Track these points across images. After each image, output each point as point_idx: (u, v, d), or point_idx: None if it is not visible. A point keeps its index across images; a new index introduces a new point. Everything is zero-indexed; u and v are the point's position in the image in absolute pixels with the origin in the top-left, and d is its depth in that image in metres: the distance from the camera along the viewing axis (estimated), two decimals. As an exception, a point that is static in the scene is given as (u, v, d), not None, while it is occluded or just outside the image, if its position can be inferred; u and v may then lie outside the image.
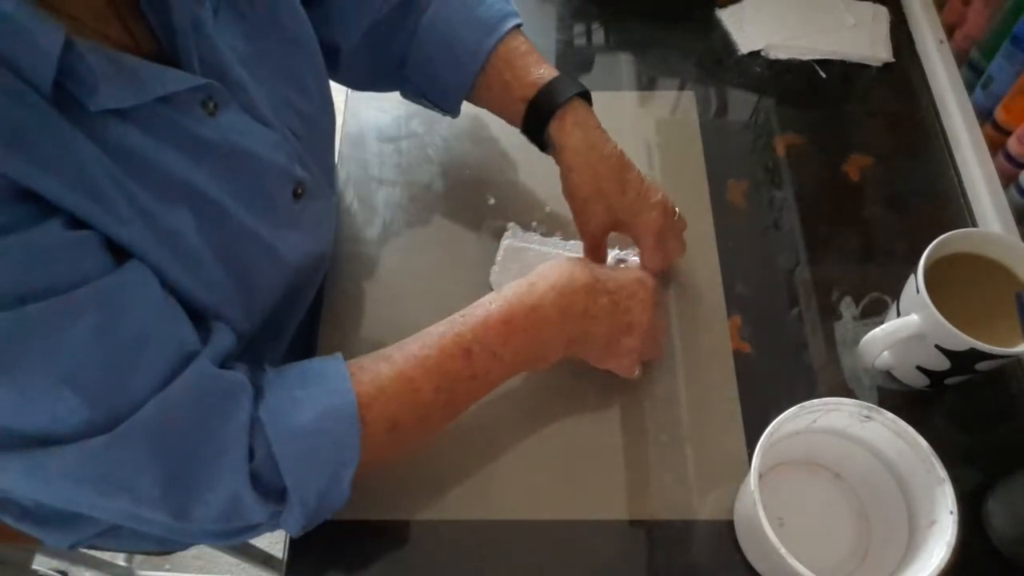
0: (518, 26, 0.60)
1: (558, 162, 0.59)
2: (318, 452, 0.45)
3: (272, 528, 0.47)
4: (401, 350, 0.49)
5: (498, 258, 0.64)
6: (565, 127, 0.57)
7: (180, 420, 0.40)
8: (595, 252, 0.60)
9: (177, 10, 0.41)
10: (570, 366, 0.60)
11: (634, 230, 0.58)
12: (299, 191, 0.52)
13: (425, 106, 0.65)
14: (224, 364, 0.44)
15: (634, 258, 0.63)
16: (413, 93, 0.65)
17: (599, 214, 0.58)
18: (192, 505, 0.42)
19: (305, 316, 0.60)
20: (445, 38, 0.59)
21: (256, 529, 0.46)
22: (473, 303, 0.52)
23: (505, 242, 0.65)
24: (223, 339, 0.45)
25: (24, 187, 0.35)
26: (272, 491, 0.44)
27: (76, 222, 0.38)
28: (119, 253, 0.40)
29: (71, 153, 0.37)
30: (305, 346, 0.61)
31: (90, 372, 0.38)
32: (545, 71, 0.58)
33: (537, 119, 0.58)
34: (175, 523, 0.42)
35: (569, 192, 0.58)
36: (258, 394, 0.44)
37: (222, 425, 0.42)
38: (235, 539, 0.47)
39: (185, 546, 0.74)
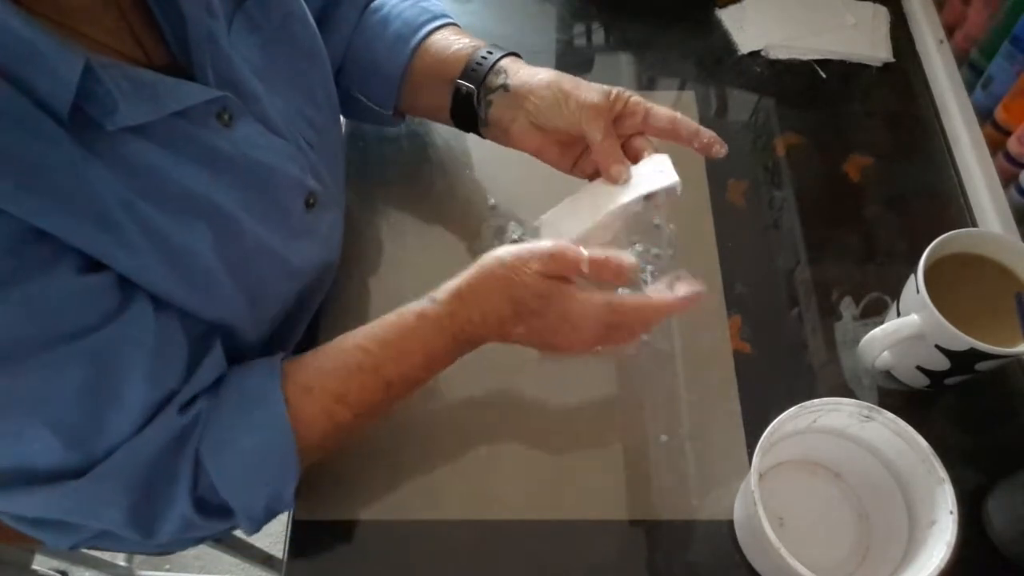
0: (456, 25, 0.62)
1: (521, 97, 0.55)
2: (258, 478, 0.46)
3: (232, 529, 0.49)
4: (320, 381, 0.47)
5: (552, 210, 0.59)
6: (518, 64, 0.57)
7: (144, 462, 0.42)
8: (613, 145, 0.54)
9: (192, 23, 0.41)
10: (570, 365, 0.60)
11: (631, 107, 0.54)
12: (311, 201, 0.52)
13: (364, 118, 0.66)
14: (198, 394, 0.45)
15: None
16: (350, 96, 0.63)
17: (593, 97, 0.53)
18: (156, 524, 0.44)
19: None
20: (387, 18, 0.60)
21: (214, 534, 0.48)
22: (394, 320, 0.49)
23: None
24: (207, 375, 0.45)
25: (35, 227, 0.35)
26: (218, 511, 0.46)
27: (89, 260, 0.38)
28: (126, 286, 0.41)
29: (83, 183, 0.37)
30: (306, 346, 0.61)
31: (71, 418, 0.39)
32: (476, 42, 0.59)
33: (475, 79, 0.56)
34: (143, 540, 0.45)
35: (561, 92, 0.54)
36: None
37: (175, 459, 0.43)
38: (203, 541, 0.50)
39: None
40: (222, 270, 0.45)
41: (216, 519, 0.46)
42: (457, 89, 0.58)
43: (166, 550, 0.50)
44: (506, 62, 0.57)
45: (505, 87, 0.56)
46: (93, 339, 0.38)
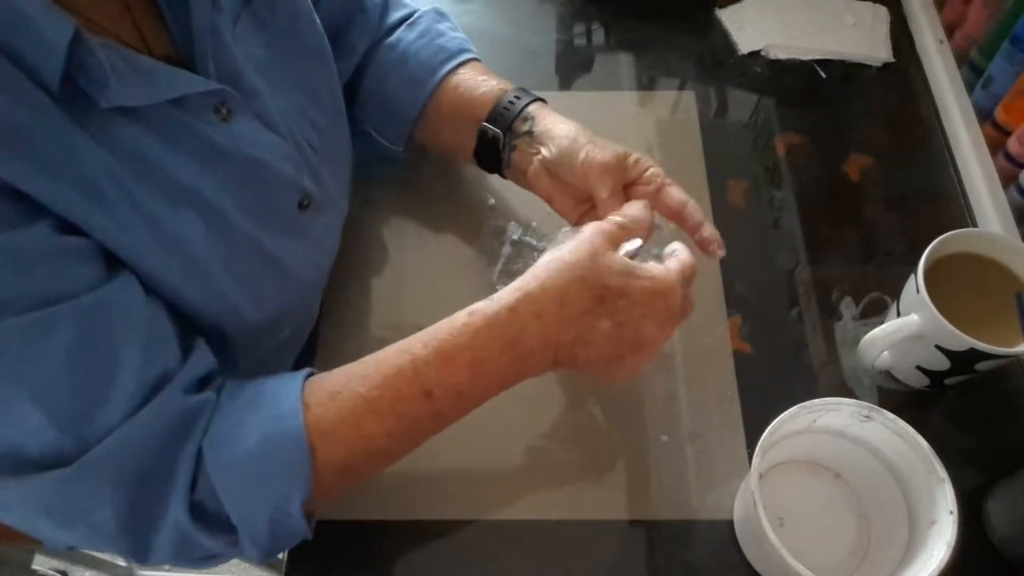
0: (476, 60, 0.61)
1: (540, 142, 0.55)
2: (260, 483, 0.42)
3: (236, 555, 0.44)
4: (350, 385, 0.44)
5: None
6: (545, 111, 0.56)
7: (140, 451, 0.39)
8: (617, 205, 0.52)
9: (196, 15, 0.42)
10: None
11: (647, 178, 0.53)
12: (305, 203, 0.51)
13: (370, 147, 0.65)
14: (202, 384, 0.43)
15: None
16: (359, 128, 0.63)
17: (604, 156, 0.53)
18: (149, 534, 0.40)
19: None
20: (403, 57, 0.60)
21: (218, 558, 0.44)
22: (443, 322, 0.45)
23: (507, 249, 0.65)
24: (201, 363, 0.43)
25: (13, 186, 0.35)
26: (217, 522, 0.42)
27: (70, 227, 0.38)
28: (111, 262, 0.40)
29: (72, 154, 0.36)
30: (307, 347, 0.61)
31: (60, 393, 0.37)
32: (503, 83, 0.58)
33: (502, 124, 0.56)
34: (137, 555, 0.41)
35: (575, 144, 0.53)
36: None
37: (175, 453, 0.40)
38: (202, 566, 0.44)
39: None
40: (216, 262, 0.44)
41: (214, 531, 0.41)
42: (483, 132, 0.57)
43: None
44: (534, 108, 0.57)
45: (530, 133, 0.56)
46: (78, 302, 0.37)
